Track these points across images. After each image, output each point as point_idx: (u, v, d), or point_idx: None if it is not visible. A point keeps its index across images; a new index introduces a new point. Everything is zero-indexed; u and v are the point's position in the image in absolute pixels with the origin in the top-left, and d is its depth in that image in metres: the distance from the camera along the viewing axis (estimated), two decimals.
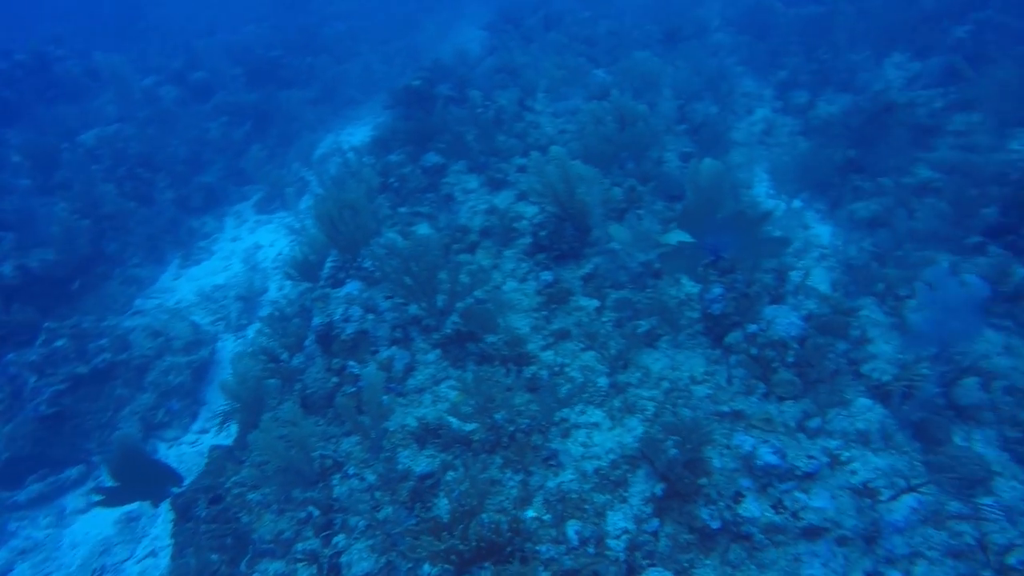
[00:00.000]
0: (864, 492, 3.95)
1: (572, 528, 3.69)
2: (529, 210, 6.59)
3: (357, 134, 13.29)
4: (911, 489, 4.04)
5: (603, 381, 4.65)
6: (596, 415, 4.44)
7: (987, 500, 4.48)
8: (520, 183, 7.13)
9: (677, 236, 5.12)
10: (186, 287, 9.92)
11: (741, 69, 11.76)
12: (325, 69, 15.49)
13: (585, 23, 13.51)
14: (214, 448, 5.75)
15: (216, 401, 7.66)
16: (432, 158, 7.76)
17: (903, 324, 5.71)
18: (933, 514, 4.08)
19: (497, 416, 4.25)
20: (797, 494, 3.79)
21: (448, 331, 5.17)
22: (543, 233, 6.03)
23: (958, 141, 7.44)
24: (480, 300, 5.31)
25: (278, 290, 9.24)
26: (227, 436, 6.74)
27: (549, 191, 6.02)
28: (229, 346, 8.61)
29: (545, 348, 5.03)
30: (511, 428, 4.24)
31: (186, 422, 7.69)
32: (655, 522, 3.73)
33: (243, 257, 10.24)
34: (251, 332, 8.55)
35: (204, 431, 7.54)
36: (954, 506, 4.25)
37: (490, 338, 4.98)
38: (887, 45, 10.30)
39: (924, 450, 4.76)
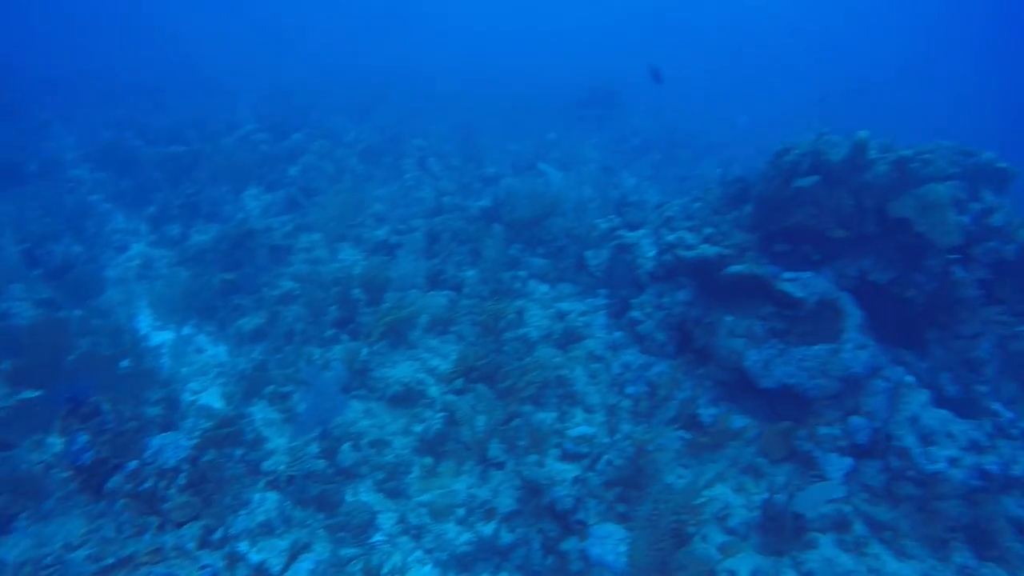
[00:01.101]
0: (258, 572, 4.30)
1: None
2: None
3: None
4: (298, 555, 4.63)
5: None
6: None
7: (377, 536, 5.54)
8: None
9: (22, 395, 4.53)
10: None
11: (109, 205, 11.39)
12: None
13: None
14: None
15: None
16: None
17: (292, 416, 6.52)
18: (332, 566, 4.76)
19: None
20: None
21: None
22: None
23: (307, 256, 9.13)
24: None
25: None
26: None
27: None
28: None
29: None
30: None
31: None
32: None
33: None
34: None
35: None
36: (349, 551, 5.07)
37: None
38: (243, 180, 11.80)
39: (326, 516, 5.52)
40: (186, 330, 8.28)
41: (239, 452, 5.53)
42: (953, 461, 5.02)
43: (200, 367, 7.59)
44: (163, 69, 22.65)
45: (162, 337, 8.07)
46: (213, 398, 6.71)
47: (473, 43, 36.57)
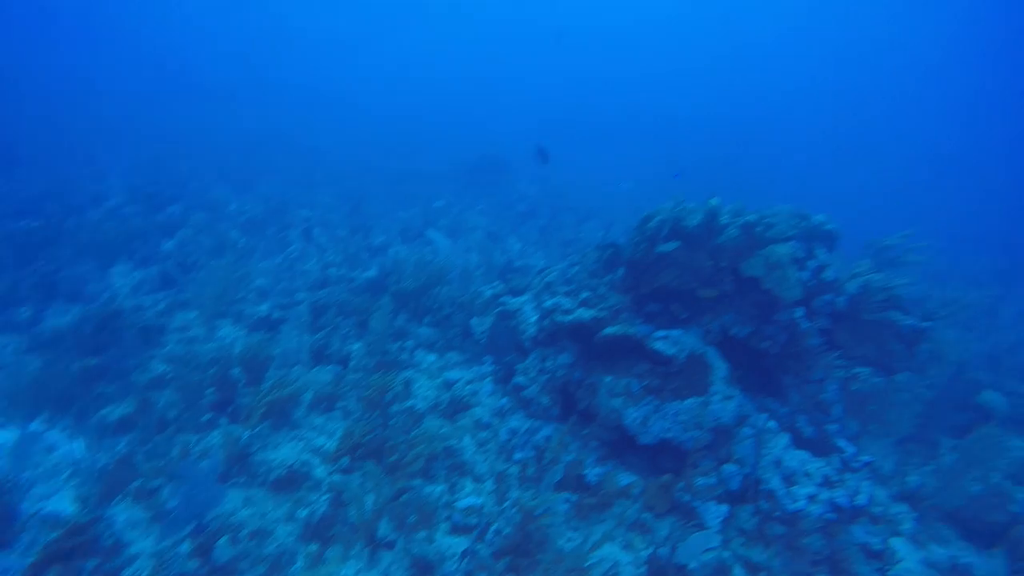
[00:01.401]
0: None
1: None
2: None
3: None
4: None
5: None
6: None
7: None
8: None
9: None
10: None
11: None
12: None
13: None
14: None
15: None
16: None
17: (161, 513, 5.99)
18: None
19: None
20: None
21: None
22: None
23: (181, 336, 8.60)
24: None
25: None
26: None
27: None
28: None
29: None
30: None
31: None
32: None
33: None
34: None
35: None
36: None
37: None
38: (111, 256, 11.03)
39: None
40: (34, 426, 7.45)
41: (92, 564, 4.99)
42: (811, 498, 5.45)
43: (50, 468, 6.80)
44: (17, 130, 20.93)
45: (1, 438, 7.20)
46: (64, 503, 6.03)
47: (363, 109, 36.96)
